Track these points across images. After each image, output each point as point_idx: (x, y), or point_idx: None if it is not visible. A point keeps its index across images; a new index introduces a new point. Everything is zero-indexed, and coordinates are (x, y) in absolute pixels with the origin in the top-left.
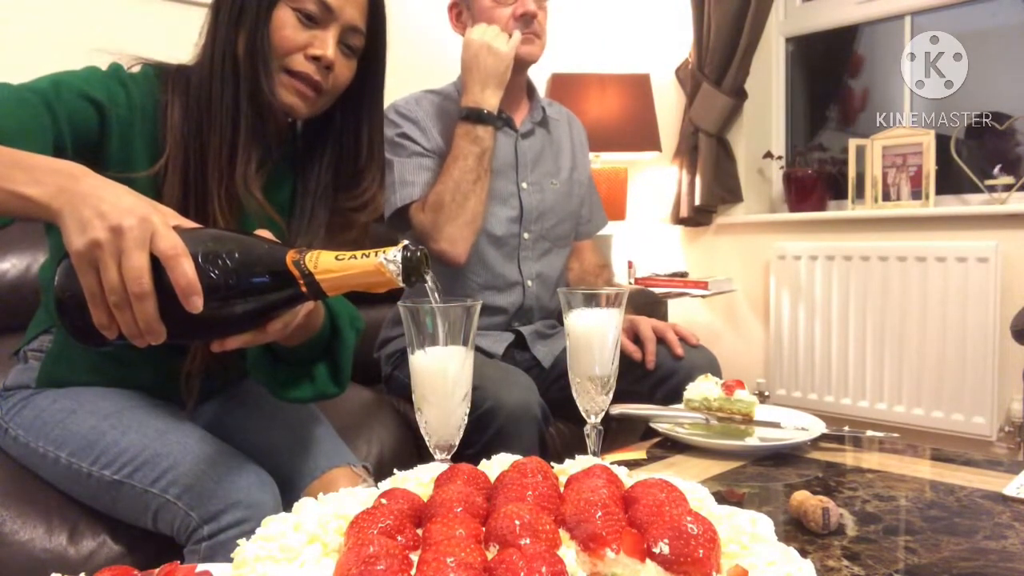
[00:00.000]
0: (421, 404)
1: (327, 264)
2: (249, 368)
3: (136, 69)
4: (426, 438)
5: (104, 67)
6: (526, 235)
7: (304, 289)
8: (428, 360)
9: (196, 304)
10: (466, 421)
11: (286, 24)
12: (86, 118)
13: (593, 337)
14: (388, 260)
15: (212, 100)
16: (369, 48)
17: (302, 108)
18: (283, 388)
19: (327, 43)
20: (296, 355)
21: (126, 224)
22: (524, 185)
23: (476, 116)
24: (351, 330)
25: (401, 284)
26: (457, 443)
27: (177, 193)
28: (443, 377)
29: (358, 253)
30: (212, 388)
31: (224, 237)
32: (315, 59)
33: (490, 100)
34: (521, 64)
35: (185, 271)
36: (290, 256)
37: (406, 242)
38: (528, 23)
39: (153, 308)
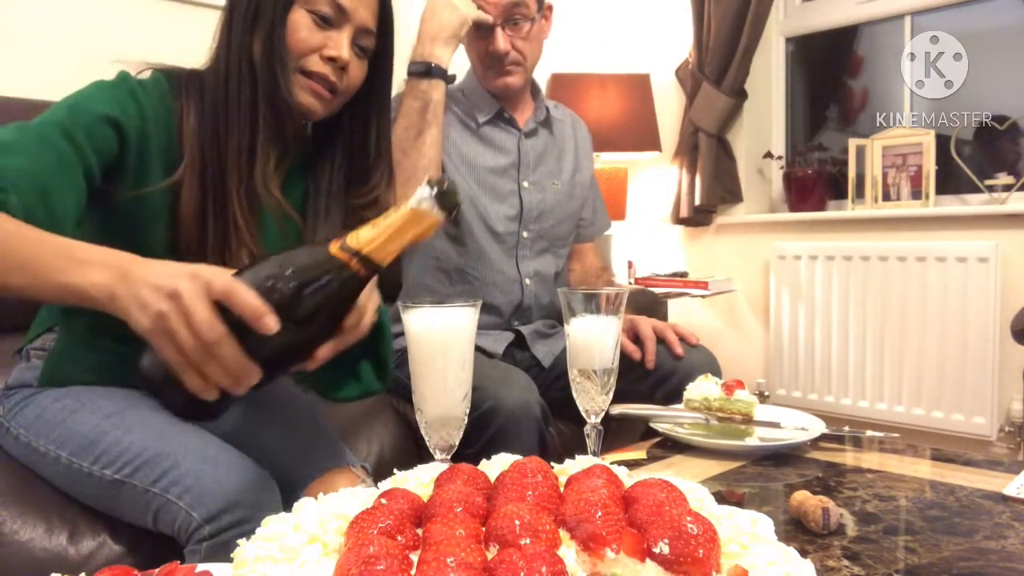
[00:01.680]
0: (421, 404)
1: (368, 235)
2: (302, 373)
3: (145, 75)
4: (426, 438)
5: (105, 75)
6: (525, 234)
7: (358, 268)
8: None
9: (269, 325)
10: (466, 421)
11: (301, 26)
12: (106, 139)
13: (593, 337)
14: (420, 200)
15: (229, 103)
16: (379, 49)
17: (318, 108)
18: (332, 389)
19: (342, 44)
20: (344, 355)
21: (180, 286)
22: (525, 184)
23: (422, 71)
24: (390, 325)
25: (442, 217)
26: (457, 443)
27: (196, 196)
28: (443, 340)
29: (390, 211)
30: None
31: (267, 258)
32: (331, 60)
33: (439, 54)
34: (497, 92)
35: (246, 298)
36: (333, 245)
37: (427, 178)
38: (501, 60)
39: (235, 348)
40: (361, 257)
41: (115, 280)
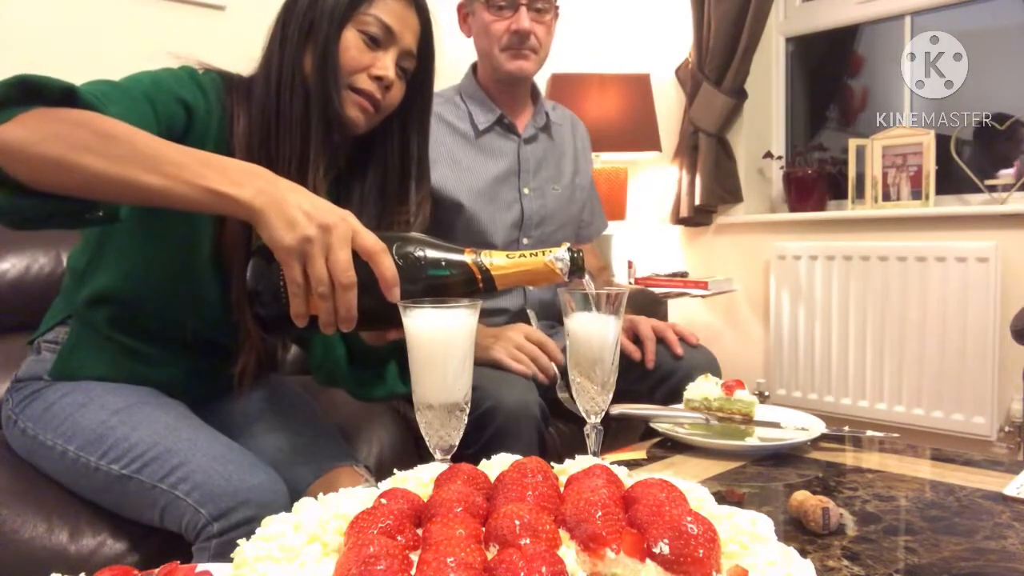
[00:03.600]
0: (421, 404)
1: (501, 262)
2: (323, 372)
3: (201, 72)
4: (426, 438)
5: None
6: (525, 240)
7: (480, 284)
8: (429, 318)
9: (396, 295)
10: (466, 421)
11: (352, 46)
12: (177, 120)
13: (593, 337)
14: (557, 259)
15: (281, 113)
16: (419, 70)
17: (362, 123)
18: (362, 388)
19: (388, 65)
20: (372, 356)
21: (332, 222)
22: (526, 191)
23: None
24: None
25: (565, 280)
26: (457, 443)
27: None
28: (443, 340)
29: (526, 253)
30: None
31: (409, 238)
32: (377, 79)
33: None
34: (514, 79)
35: (389, 265)
36: (469, 254)
37: (568, 244)
38: (522, 40)
39: (355, 298)
40: (488, 276)
41: (260, 192)
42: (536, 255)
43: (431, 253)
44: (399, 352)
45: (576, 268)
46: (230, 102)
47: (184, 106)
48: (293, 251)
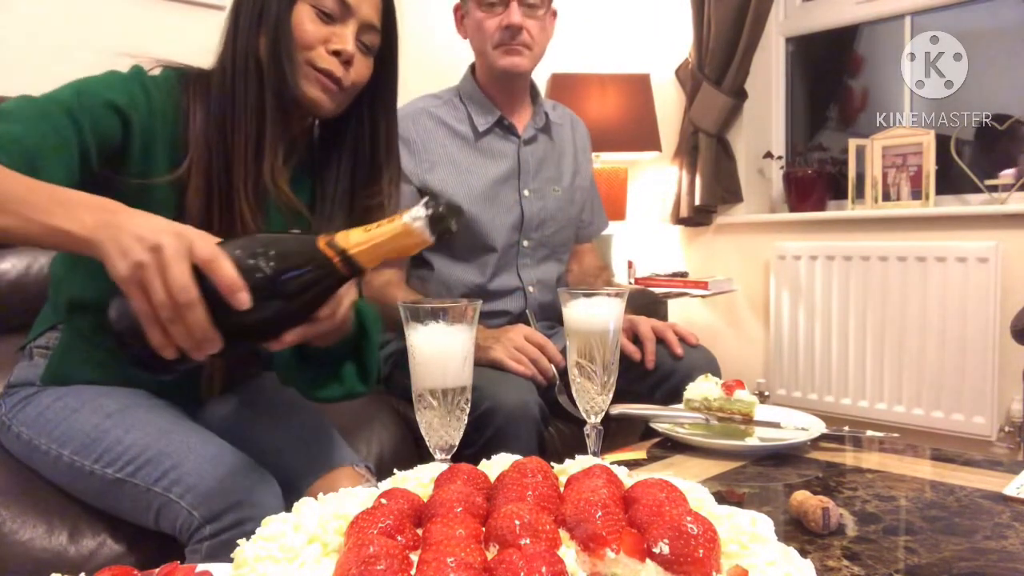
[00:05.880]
0: (421, 404)
1: (358, 238)
2: (280, 372)
3: (157, 72)
4: (426, 438)
5: (121, 69)
6: (525, 242)
7: (341, 268)
8: (429, 335)
9: (242, 300)
10: (466, 421)
11: (305, 19)
12: (109, 125)
13: (593, 336)
14: (414, 218)
15: (236, 100)
16: (383, 47)
17: (326, 102)
18: (313, 388)
19: (346, 38)
20: (326, 355)
21: (164, 241)
22: (526, 192)
23: None
24: (376, 328)
25: (431, 240)
26: (457, 443)
27: (202, 192)
28: (443, 340)
29: (384, 221)
30: (228, 386)
31: (256, 237)
32: (336, 54)
33: None
34: (508, 76)
35: (226, 270)
36: (321, 240)
37: (427, 198)
38: (513, 35)
39: (203, 315)
40: (346, 257)
41: (100, 225)
42: (395, 219)
43: (278, 249)
44: (358, 352)
45: (438, 222)
46: (185, 99)
47: (116, 111)
48: (130, 280)
